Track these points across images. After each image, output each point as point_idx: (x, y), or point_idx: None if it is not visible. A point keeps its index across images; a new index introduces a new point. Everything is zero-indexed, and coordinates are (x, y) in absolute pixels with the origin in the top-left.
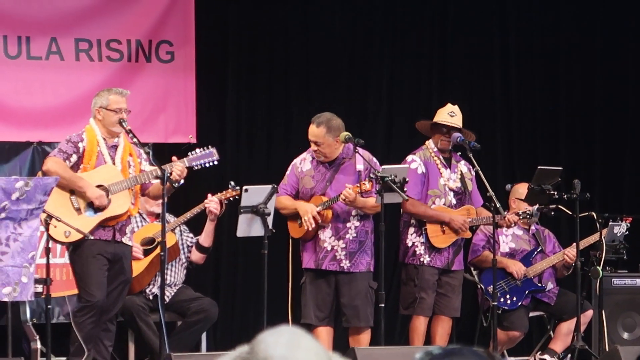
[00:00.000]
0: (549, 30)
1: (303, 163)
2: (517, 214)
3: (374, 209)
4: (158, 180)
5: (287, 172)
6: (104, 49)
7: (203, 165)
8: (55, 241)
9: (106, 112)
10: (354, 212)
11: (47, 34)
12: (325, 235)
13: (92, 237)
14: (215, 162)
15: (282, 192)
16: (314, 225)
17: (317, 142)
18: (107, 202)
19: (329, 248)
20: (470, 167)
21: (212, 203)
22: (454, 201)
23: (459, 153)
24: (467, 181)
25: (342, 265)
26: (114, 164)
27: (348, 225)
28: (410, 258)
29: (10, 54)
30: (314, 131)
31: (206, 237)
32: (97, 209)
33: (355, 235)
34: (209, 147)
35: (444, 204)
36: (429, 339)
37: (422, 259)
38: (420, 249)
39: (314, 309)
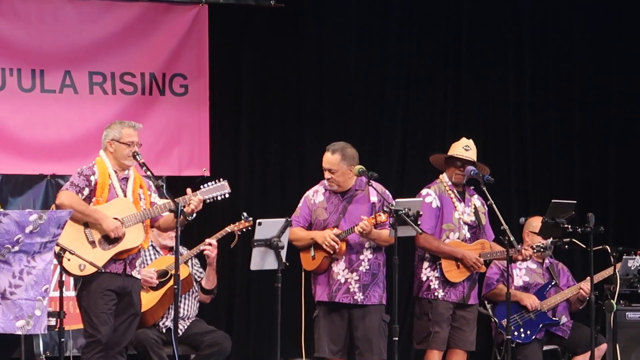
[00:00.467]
0: (564, 61)
1: (316, 195)
2: (532, 247)
3: (388, 242)
4: (168, 213)
5: (300, 205)
6: (118, 82)
7: (215, 199)
8: (69, 274)
9: (118, 144)
10: (367, 245)
11: (61, 67)
12: (339, 268)
13: (104, 270)
14: (227, 195)
15: (295, 224)
16: (337, 247)
17: (332, 170)
18: (123, 233)
19: (342, 280)
20: (484, 201)
21: (209, 246)
22: (468, 235)
23: (472, 187)
24: (480, 215)
25: (355, 297)
26: (125, 196)
27: (361, 257)
28: (425, 292)
29: (25, 87)
30: (329, 158)
31: (207, 281)
32: (112, 241)
33: (368, 267)
34: (221, 179)
35: (459, 238)
36: None
37: (436, 294)
38: (434, 284)
39: (328, 342)
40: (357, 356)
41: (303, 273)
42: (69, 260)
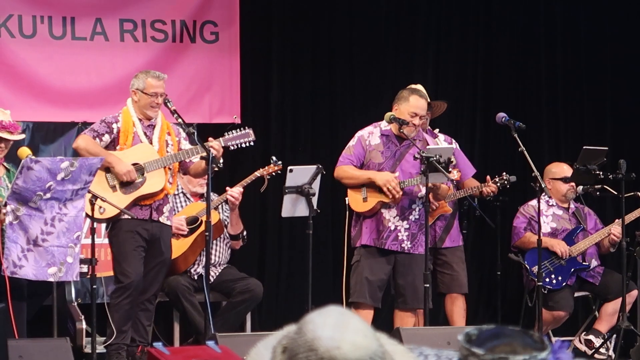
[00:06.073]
0: (596, 12)
1: (371, 136)
2: (495, 182)
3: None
4: (198, 159)
5: (352, 143)
6: (149, 29)
7: (239, 146)
8: (91, 218)
9: (142, 94)
10: (419, 194)
11: (92, 14)
12: (390, 215)
13: (127, 214)
14: (252, 143)
15: (347, 162)
16: (400, 194)
17: (423, 116)
18: (136, 177)
19: (392, 228)
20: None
21: (234, 193)
22: None
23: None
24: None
25: (403, 245)
26: (151, 143)
27: (413, 206)
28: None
29: (55, 35)
30: (424, 105)
31: (231, 226)
32: (133, 186)
33: (417, 217)
34: (246, 127)
35: None
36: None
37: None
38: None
39: (369, 288)
40: (400, 304)
41: (347, 213)
42: (100, 207)
